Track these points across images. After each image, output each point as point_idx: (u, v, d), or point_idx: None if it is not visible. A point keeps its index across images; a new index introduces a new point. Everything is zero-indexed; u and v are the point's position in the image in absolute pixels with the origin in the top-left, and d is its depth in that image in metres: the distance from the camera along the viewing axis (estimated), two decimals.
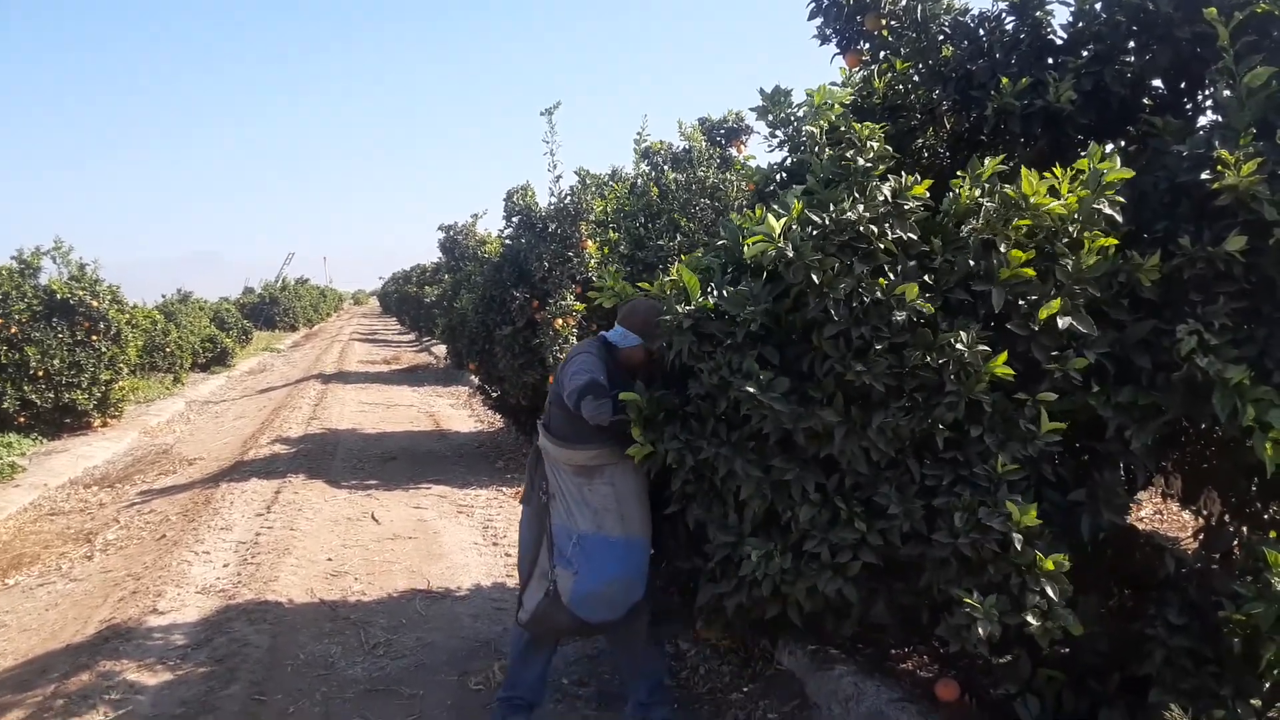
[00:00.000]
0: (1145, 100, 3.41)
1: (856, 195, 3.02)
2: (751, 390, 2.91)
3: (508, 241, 9.11)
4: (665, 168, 8.25)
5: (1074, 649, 3.04)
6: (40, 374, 10.79)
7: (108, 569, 6.18)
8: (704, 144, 8.29)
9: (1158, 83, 3.41)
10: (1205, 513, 3.40)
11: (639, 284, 3.61)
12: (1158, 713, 2.64)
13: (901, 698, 3.26)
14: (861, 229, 2.93)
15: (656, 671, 3.77)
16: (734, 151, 8.83)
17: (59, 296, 11.22)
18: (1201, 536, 3.28)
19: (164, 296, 21.18)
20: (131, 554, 6.48)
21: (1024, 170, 2.83)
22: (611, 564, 3.46)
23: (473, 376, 12.45)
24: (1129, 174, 2.82)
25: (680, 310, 3.16)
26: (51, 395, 10.92)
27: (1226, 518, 3.27)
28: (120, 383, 11.95)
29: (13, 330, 10.71)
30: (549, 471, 3.57)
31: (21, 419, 10.75)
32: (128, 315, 12.35)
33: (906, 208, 3.00)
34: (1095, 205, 2.81)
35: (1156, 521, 5.56)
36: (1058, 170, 2.86)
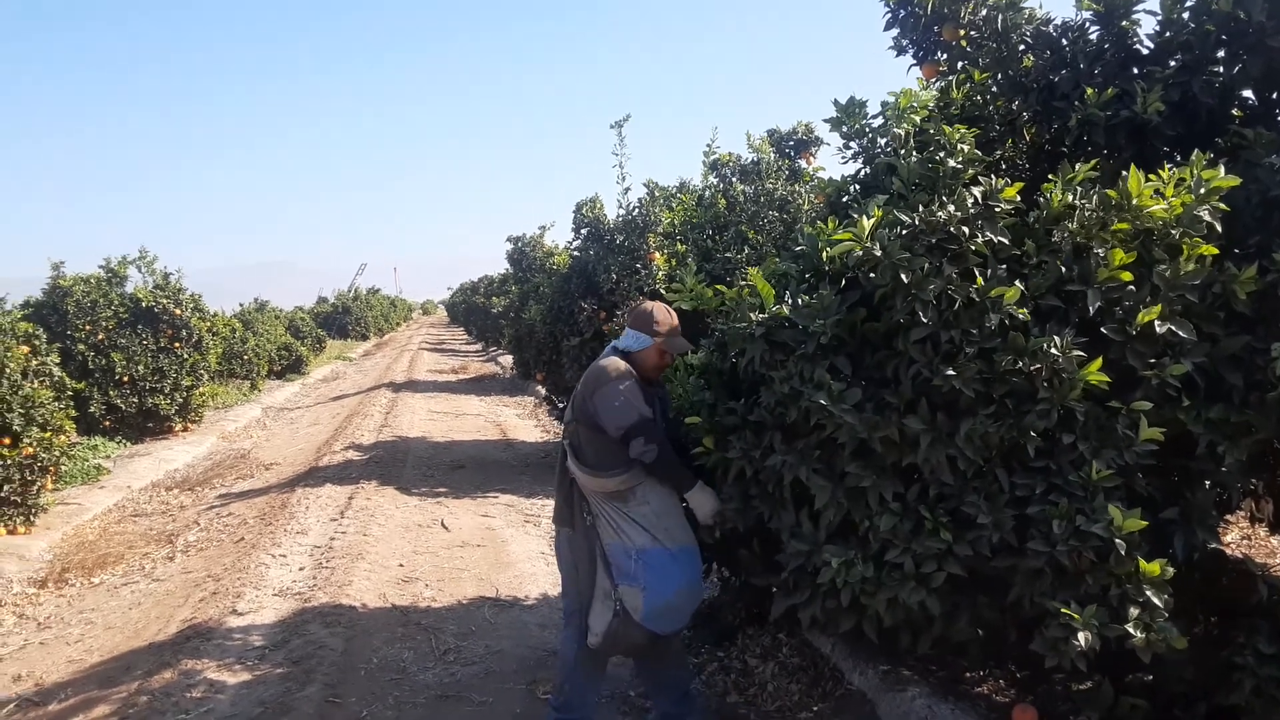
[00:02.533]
0: (1235, 111, 3.32)
1: (945, 198, 2.98)
2: (823, 402, 2.88)
3: (576, 253, 9.18)
4: (734, 179, 8.23)
5: (1159, 677, 2.95)
6: (125, 380, 11.19)
7: (188, 570, 6.37)
8: (772, 156, 8.25)
9: (1248, 93, 3.32)
10: None
11: (716, 287, 3.61)
12: None
13: None
14: (952, 229, 2.89)
15: (683, 680, 3.75)
16: (803, 163, 8.78)
17: (144, 305, 11.62)
18: None
19: (241, 305, 21.82)
20: (211, 556, 6.67)
21: (1132, 169, 2.77)
22: (676, 574, 3.45)
23: (539, 387, 12.57)
24: (1235, 181, 2.75)
25: (754, 318, 3.16)
26: (135, 400, 11.31)
27: None
28: (200, 389, 12.33)
29: (100, 337, 11.13)
30: (587, 494, 3.54)
31: (107, 423, 11.16)
32: (209, 323, 12.75)
33: (997, 210, 2.96)
34: (1197, 211, 2.74)
35: (1245, 547, 5.37)
36: (1163, 172, 2.79)
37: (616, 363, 3.49)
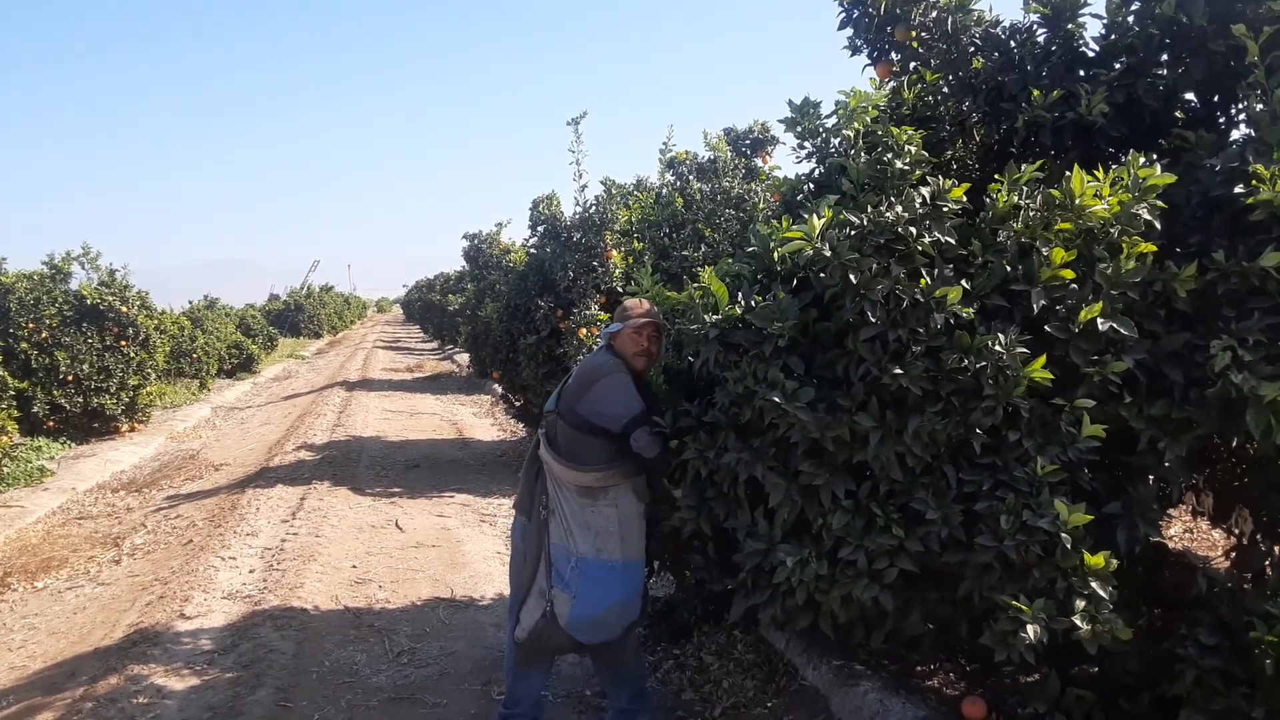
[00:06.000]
0: (1178, 114, 3.38)
1: (893, 198, 3.01)
2: (777, 400, 2.90)
3: (532, 250, 9.15)
4: (690, 178, 8.25)
5: (1103, 668, 3.01)
6: (70, 379, 10.93)
7: (135, 573, 6.24)
8: (729, 154, 8.29)
9: (1190, 96, 3.38)
10: (1237, 531, 3.36)
11: (669, 293, 3.62)
12: None
13: (928, 715, 3.23)
14: (900, 230, 2.91)
15: (639, 677, 3.77)
16: (759, 162, 8.82)
17: (89, 302, 11.36)
18: (1233, 555, 3.24)
19: (191, 303, 21.42)
20: (159, 559, 6.54)
21: (1076, 168, 2.81)
22: (611, 589, 3.46)
23: (496, 385, 12.50)
24: (1170, 179, 2.80)
25: (707, 320, 3.16)
26: (80, 400, 11.05)
27: (1259, 537, 3.23)
28: (148, 388, 12.08)
29: (43, 335, 10.85)
30: (550, 486, 3.54)
31: (51, 423, 10.89)
32: (156, 321, 12.49)
33: (944, 210, 2.99)
34: (1135, 210, 2.79)
35: (1186, 540, 5.49)
36: (1099, 173, 2.84)
37: (609, 359, 3.51)
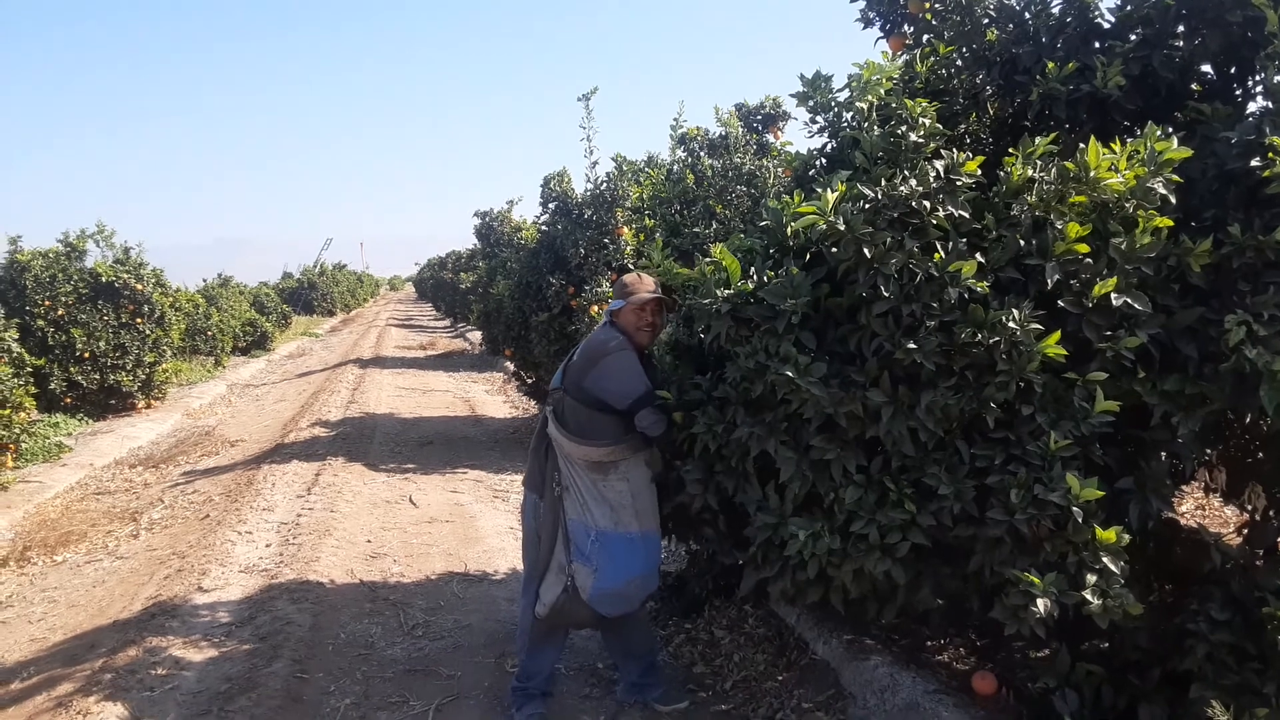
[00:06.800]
0: (1194, 86, 3.34)
1: (907, 172, 3.00)
2: (789, 374, 2.90)
3: (544, 228, 9.14)
4: (702, 154, 8.21)
5: (1114, 643, 3.01)
6: (86, 356, 11.01)
7: (153, 547, 6.31)
8: (740, 130, 8.24)
9: (1207, 68, 3.34)
10: (1249, 507, 3.35)
11: (681, 268, 3.62)
12: (1199, 708, 2.61)
13: (938, 689, 3.25)
14: (914, 204, 2.90)
15: (649, 652, 3.82)
16: (771, 138, 8.77)
17: (104, 279, 11.42)
18: (1245, 531, 3.23)
19: (205, 281, 21.51)
20: (176, 533, 6.61)
21: (1092, 140, 2.79)
22: (633, 562, 3.49)
23: (508, 362, 12.53)
24: (1187, 153, 2.77)
25: (719, 294, 3.16)
26: (97, 377, 11.14)
27: (1271, 513, 3.22)
28: (163, 365, 12.17)
29: (59, 312, 10.93)
30: (561, 463, 3.56)
31: (68, 400, 10.99)
32: (171, 298, 12.56)
33: (958, 184, 2.97)
34: (1151, 184, 2.77)
35: (1198, 517, 5.48)
36: (1115, 146, 2.82)
37: (613, 335, 3.53)
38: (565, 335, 8.24)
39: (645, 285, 3.57)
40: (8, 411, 7.16)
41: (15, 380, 7.44)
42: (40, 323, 10.74)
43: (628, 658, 3.79)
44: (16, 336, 8.12)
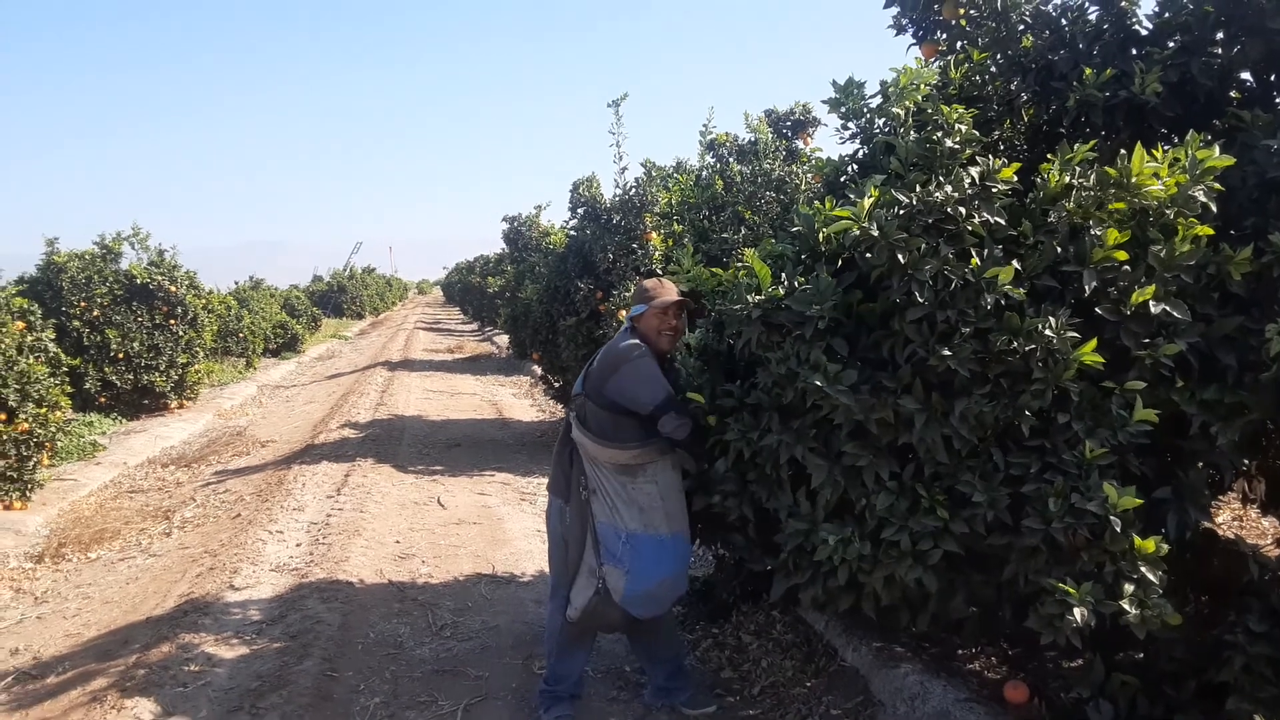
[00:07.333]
0: (1233, 94, 3.32)
1: (942, 178, 2.98)
2: (819, 383, 2.89)
3: (573, 233, 9.17)
4: (730, 160, 8.21)
5: (1149, 654, 2.98)
6: (120, 356, 11.16)
7: (185, 545, 6.39)
8: (770, 136, 8.23)
9: (1246, 76, 3.31)
10: None
11: (713, 270, 3.62)
12: None
13: (969, 698, 3.22)
14: (949, 210, 2.89)
15: (677, 655, 3.82)
16: (800, 144, 8.76)
17: (139, 281, 11.58)
18: None
19: (236, 283, 21.76)
20: (208, 531, 6.69)
21: (1137, 146, 2.77)
22: (664, 563, 3.49)
23: (535, 366, 12.57)
24: (1229, 161, 2.75)
25: (750, 300, 3.16)
26: (131, 377, 11.29)
27: None
28: (196, 366, 12.32)
29: (95, 314, 11.09)
30: (588, 467, 3.56)
31: (102, 399, 11.15)
32: (203, 301, 12.72)
33: (994, 190, 2.96)
34: (1192, 192, 2.75)
35: (1236, 528, 5.41)
36: (1157, 152, 2.80)
37: (632, 341, 3.52)
38: (593, 339, 8.26)
39: (666, 289, 3.58)
40: (44, 410, 7.27)
41: (51, 380, 7.56)
42: (76, 323, 10.90)
43: (655, 661, 3.80)
44: (53, 336, 8.25)
